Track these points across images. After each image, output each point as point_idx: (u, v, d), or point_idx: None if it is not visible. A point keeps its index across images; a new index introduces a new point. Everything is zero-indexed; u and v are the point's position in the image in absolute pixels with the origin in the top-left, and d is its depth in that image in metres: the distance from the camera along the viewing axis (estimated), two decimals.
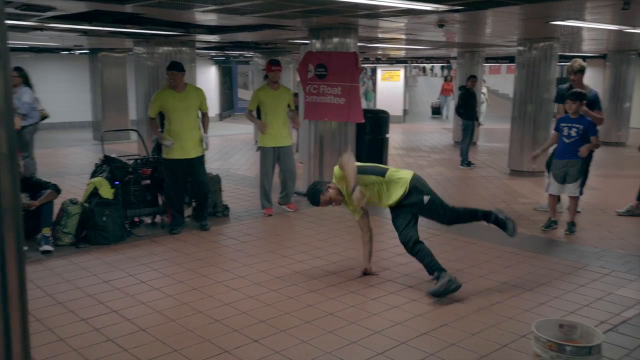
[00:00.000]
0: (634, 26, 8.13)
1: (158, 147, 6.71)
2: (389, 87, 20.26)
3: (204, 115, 6.33)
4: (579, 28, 8.43)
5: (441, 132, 17.07)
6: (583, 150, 5.84)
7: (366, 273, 4.77)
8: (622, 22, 7.67)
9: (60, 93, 17.25)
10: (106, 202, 5.79)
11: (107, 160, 6.21)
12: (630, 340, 3.61)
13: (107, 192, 5.87)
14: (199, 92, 6.24)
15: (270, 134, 6.82)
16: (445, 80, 22.46)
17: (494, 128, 17.79)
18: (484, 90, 18.95)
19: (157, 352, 3.44)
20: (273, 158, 6.89)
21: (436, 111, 22.81)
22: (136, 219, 6.39)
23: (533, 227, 6.37)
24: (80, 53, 15.54)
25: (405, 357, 3.38)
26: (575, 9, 6.46)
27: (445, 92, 21.65)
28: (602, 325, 3.80)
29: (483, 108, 18.89)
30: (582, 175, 6.07)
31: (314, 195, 4.57)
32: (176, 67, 6.01)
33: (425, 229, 6.27)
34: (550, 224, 6.22)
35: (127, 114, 14.68)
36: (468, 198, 7.98)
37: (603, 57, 15.17)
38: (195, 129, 6.13)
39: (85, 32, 9.00)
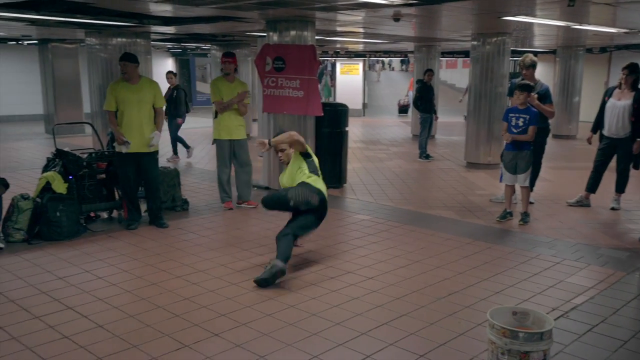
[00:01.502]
0: (581, 22, 8.41)
1: (113, 140, 6.56)
2: (348, 80, 20.35)
3: (157, 111, 6.04)
4: (530, 24, 8.67)
5: (400, 126, 17.28)
6: (530, 134, 6.02)
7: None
8: (569, 18, 7.93)
9: (10, 85, 16.64)
10: (60, 197, 5.63)
11: (59, 154, 6.03)
12: (580, 325, 3.76)
13: (60, 186, 5.70)
14: (154, 85, 6.04)
15: (225, 127, 6.74)
16: None
17: (452, 121, 18.12)
18: None
19: (115, 348, 3.37)
20: (229, 150, 6.82)
21: (404, 109, 20.71)
22: (92, 214, 6.24)
23: (489, 218, 6.54)
24: (29, 43, 14.99)
25: (365, 347, 3.43)
26: (525, 5, 6.64)
27: None
28: (554, 312, 3.94)
29: None
30: (533, 165, 6.27)
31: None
32: (128, 58, 5.82)
33: (385, 221, 6.37)
34: (506, 215, 6.40)
35: (80, 106, 14.28)
36: (426, 190, 8.12)
37: (553, 52, 15.66)
38: (148, 124, 5.94)
39: (33, 22, 8.69)
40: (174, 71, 11.59)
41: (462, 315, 3.89)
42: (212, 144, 6.98)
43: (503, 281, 4.57)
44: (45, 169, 6.07)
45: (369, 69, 28.46)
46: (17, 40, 14.48)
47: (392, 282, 4.52)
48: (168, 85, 10.62)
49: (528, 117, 6.05)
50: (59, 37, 13.02)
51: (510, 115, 6.18)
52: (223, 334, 3.58)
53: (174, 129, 10.50)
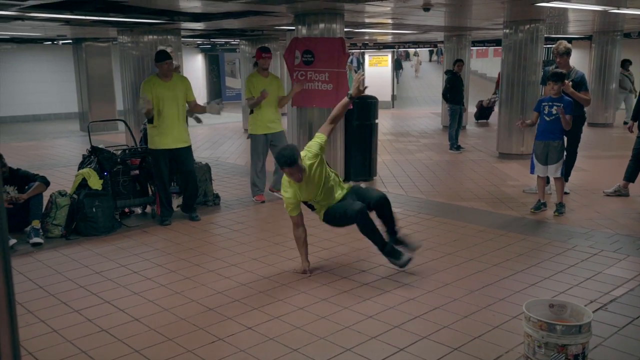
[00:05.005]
0: (619, 6, 8.16)
1: (146, 137, 6.66)
2: (377, 72, 20.21)
3: (193, 103, 6.19)
4: (565, 9, 8.45)
5: (430, 117, 17.09)
6: (567, 120, 5.88)
7: (305, 272, 4.52)
8: (606, 2, 7.70)
9: (45, 84, 17.07)
10: (95, 193, 5.75)
11: (94, 151, 6.16)
12: (620, 318, 3.67)
13: (96, 183, 5.83)
14: (185, 81, 6.17)
15: (261, 121, 6.79)
16: None
17: None
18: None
19: (151, 341, 3.44)
20: (263, 145, 6.86)
21: (485, 112, 15.30)
22: (126, 210, 6.36)
23: (522, 209, 6.43)
24: (64, 43, 15.33)
25: (398, 340, 3.41)
26: None
27: None
28: (592, 304, 3.85)
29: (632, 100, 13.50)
30: (568, 154, 6.12)
31: (293, 156, 4.15)
32: (169, 56, 5.98)
33: (416, 213, 6.32)
34: (540, 206, 6.28)
35: (114, 104, 14.55)
36: (458, 182, 8.02)
37: (589, 38, 15.24)
38: (182, 119, 6.07)
39: (67, 22, 8.88)
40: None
41: (496, 308, 3.84)
42: (248, 138, 7.05)
43: (538, 273, 4.48)
44: (81, 165, 6.21)
45: (397, 61, 28.27)
46: (52, 40, 14.82)
47: (424, 275, 4.48)
48: None
49: (562, 105, 5.92)
50: (93, 36, 13.28)
51: (543, 104, 6.06)
52: (256, 327, 3.61)
53: None
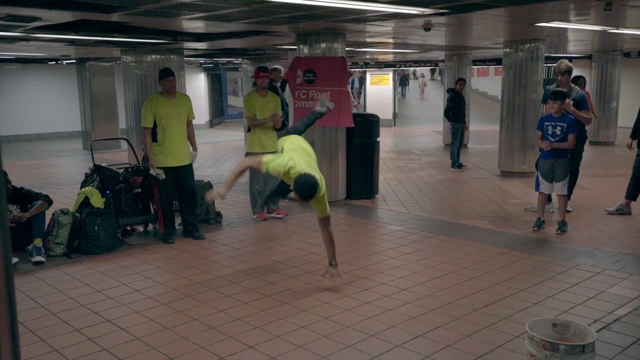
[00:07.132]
0: (617, 27, 8.23)
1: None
2: (379, 91, 20.33)
3: (189, 124, 6.17)
4: (564, 29, 8.52)
5: (431, 135, 17.14)
6: (571, 142, 5.89)
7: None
8: (605, 22, 7.76)
9: (49, 103, 17.19)
10: (97, 212, 5.76)
11: (97, 169, 6.18)
12: (624, 338, 3.64)
13: (98, 201, 5.84)
14: (187, 99, 6.22)
15: (258, 140, 6.80)
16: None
17: (484, 130, 17.89)
18: None
19: None
20: None
21: None
22: (128, 228, 6.36)
23: (525, 227, 6.41)
24: (68, 63, 15.48)
25: (400, 359, 3.39)
26: (559, 10, 6.54)
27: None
28: (596, 324, 3.83)
29: None
30: (570, 173, 6.13)
31: (314, 188, 4.15)
32: (173, 73, 6.01)
33: (418, 231, 6.31)
34: (540, 224, 6.27)
35: (116, 122, 14.64)
36: (460, 200, 8.02)
37: (589, 57, 15.34)
38: (185, 137, 6.11)
39: (72, 42, 8.97)
40: None
41: (499, 327, 3.82)
42: (245, 156, 7.05)
43: (541, 292, 4.46)
44: (84, 184, 6.22)
45: (399, 81, 28.70)
46: (56, 60, 14.97)
47: (427, 293, 4.46)
48: None
49: (565, 124, 5.93)
50: (96, 55, 13.41)
51: (546, 124, 6.07)
52: (258, 346, 3.59)
53: None
